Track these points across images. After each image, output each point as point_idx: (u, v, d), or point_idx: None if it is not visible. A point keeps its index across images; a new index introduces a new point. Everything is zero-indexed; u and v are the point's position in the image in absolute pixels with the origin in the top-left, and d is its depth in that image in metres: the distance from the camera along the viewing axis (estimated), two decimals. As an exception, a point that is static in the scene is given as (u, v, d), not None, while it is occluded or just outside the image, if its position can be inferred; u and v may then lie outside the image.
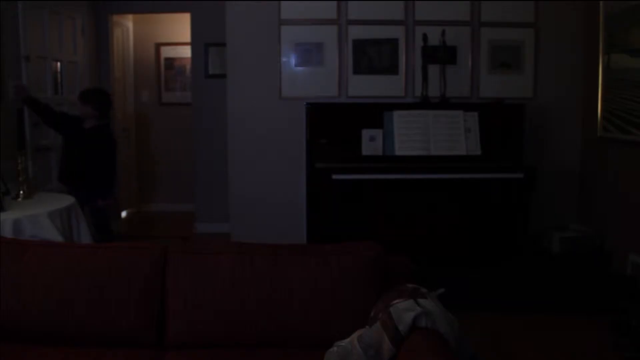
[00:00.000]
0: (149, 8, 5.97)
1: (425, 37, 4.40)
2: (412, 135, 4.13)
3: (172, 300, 2.13)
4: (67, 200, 3.53)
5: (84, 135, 4.20)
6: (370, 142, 4.16)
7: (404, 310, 1.71)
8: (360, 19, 4.54)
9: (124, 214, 6.21)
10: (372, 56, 4.59)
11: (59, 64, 4.75)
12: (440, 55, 4.42)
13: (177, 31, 6.90)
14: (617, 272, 3.95)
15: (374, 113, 4.20)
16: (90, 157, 4.15)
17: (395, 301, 1.77)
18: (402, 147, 4.11)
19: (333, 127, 4.27)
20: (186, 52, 6.57)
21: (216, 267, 2.13)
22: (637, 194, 3.84)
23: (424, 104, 4.34)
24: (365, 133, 4.16)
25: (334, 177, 3.97)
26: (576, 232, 4.33)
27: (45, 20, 4.49)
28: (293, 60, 4.60)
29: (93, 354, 2.03)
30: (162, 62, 7.11)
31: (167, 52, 7.09)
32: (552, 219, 4.55)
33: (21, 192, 3.46)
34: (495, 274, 3.86)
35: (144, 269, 2.13)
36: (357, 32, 4.55)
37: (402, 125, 4.14)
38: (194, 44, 5.94)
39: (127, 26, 6.77)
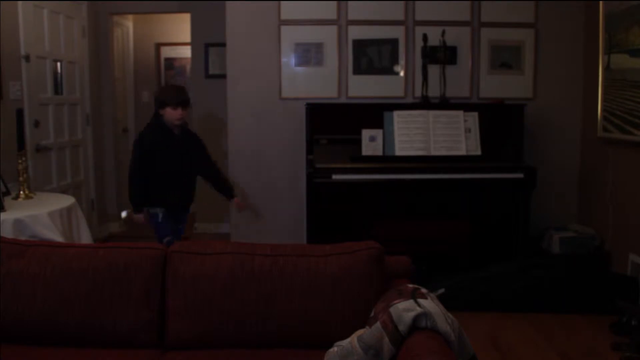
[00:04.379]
0: (149, 8, 5.97)
1: (425, 37, 4.40)
2: (412, 135, 4.14)
3: (172, 300, 2.12)
4: (67, 200, 3.53)
5: (181, 142, 3.76)
6: (370, 142, 4.16)
7: (404, 310, 1.71)
8: (360, 19, 4.55)
9: (123, 214, 6.20)
10: (372, 56, 4.59)
11: (59, 64, 4.75)
12: (440, 55, 4.43)
13: (177, 31, 6.91)
14: (617, 272, 3.95)
15: (374, 113, 4.21)
16: (198, 160, 3.90)
17: (395, 301, 1.77)
18: (402, 147, 4.11)
19: (333, 127, 4.27)
20: (186, 52, 6.58)
21: (216, 267, 2.12)
22: (637, 194, 3.84)
23: (424, 104, 4.34)
24: (365, 133, 4.16)
25: (334, 177, 3.98)
26: (576, 232, 4.33)
27: (45, 20, 4.49)
28: (293, 60, 4.60)
29: (93, 354, 2.03)
30: (162, 62, 7.12)
31: (167, 52, 7.10)
32: (552, 219, 4.56)
33: (21, 192, 3.46)
34: (495, 274, 3.86)
35: (144, 269, 2.13)
36: (357, 32, 4.55)
37: (402, 126, 4.14)
38: (194, 44, 5.93)
39: (127, 26, 6.77)
